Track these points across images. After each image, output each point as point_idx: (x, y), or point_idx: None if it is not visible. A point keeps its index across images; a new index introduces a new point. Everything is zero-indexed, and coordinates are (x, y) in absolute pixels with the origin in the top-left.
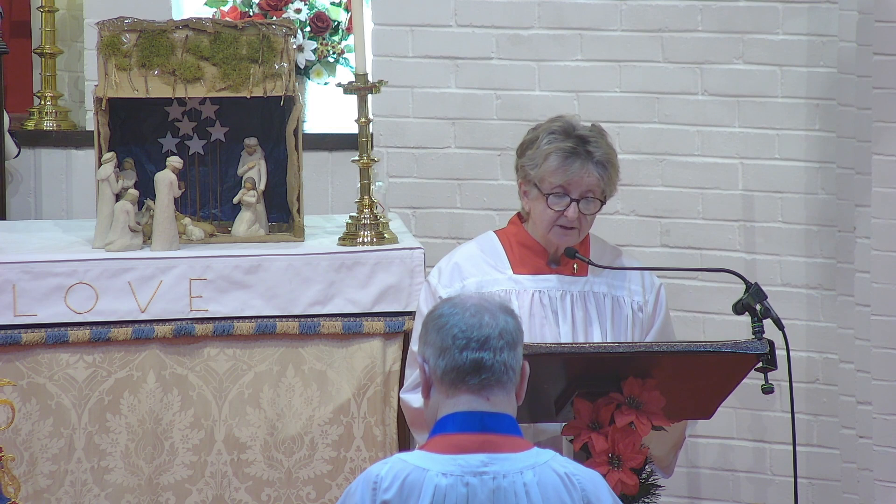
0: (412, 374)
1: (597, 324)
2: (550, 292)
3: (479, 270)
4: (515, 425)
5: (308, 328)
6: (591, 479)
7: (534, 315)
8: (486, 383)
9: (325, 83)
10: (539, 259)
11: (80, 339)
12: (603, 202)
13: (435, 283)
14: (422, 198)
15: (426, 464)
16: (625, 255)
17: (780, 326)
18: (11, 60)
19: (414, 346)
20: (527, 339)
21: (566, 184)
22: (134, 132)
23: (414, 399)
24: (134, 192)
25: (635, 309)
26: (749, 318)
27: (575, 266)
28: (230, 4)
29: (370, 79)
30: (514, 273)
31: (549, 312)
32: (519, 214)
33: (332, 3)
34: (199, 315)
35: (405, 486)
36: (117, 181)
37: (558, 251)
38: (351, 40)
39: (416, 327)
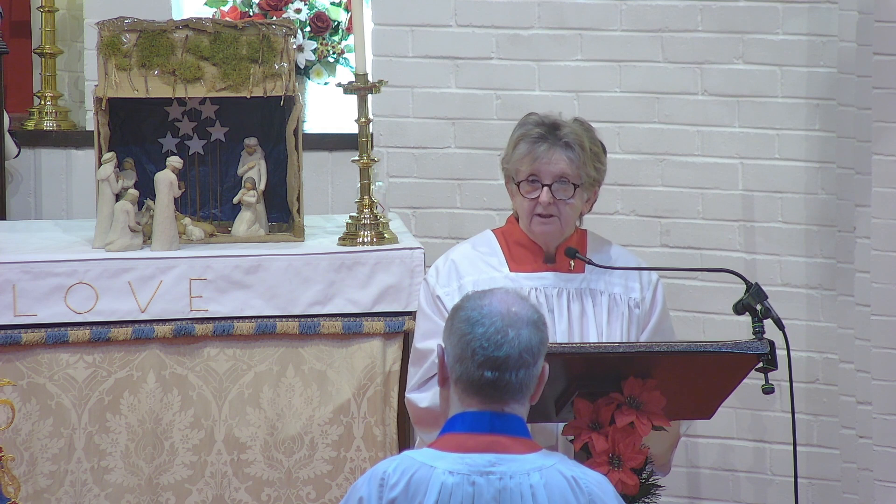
0: (416, 374)
1: (593, 321)
2: (546, 290)
3: (475, 269)
4: (524, 427)
5: (308, 328)
6: (598, 483)
7: None
8: (499, 398)
9: (325, 83)
10: (535, 257)
11: (80, 339)
12: (578, 186)
13: (433, 282)
14: (422, 198)
15: (434, 461)
16: (622, 250)
17: (781, 326)
18: (11, 60)
19: (418, 343)
20: None
21: (536, 170)
22: (134, 132)
23: (420, 399)
24: (134, 192)
25: (632, 306)
26: (749, 318)
27: (572, 263)
28: (230, 4)
29: (370, 79)
30: (510, 271)
31: (545, 310)
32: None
33: (332, 3)
34: (199, 315)
35: (412, 484)
36: (117, 181)
37: (549, 247)
38: (351, 40)
39: (420, 326)
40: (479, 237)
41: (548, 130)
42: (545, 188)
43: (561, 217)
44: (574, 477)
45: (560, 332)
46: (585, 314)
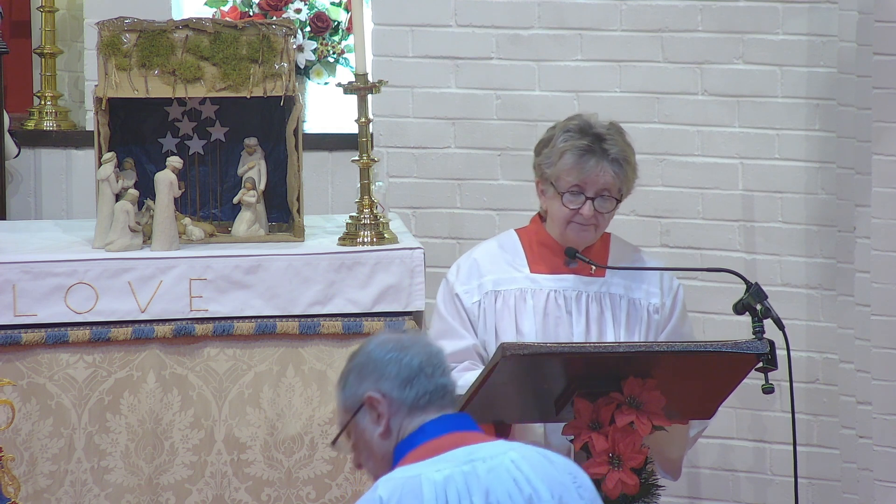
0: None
1: (611, 325)
2: (566, 292)
3: (496, 268)
4: (475, 423)
5: (308, 328)
6: (558, 452)
7: (548, 314)
8: (449, 400)
9: (325, 83)
10: (557, 258)
11: (80, 339)
12: (619, 200)
13: (453, 279)
14: (422, 198)
15: (415, 471)
16: (646, 255)
17: (781, 326)
18: (11, 60)
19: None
20: (541, 339)
21: (581, 182)
22: (134, 132)
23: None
24: (134, 192)
25: (651, 311)
26: (749, 318)
27: (593, 267)
28: (230, 4)
29: (370, 79)
30: (531, 272)
31: (563, 312)
32: (540, 214)
33: (332, 3)
34: (199, 315)
35: (404, 496)
36: (117, 181)
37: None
38: (351, 40)
39: (434, 326)
40: (503, 236)
41: (593, 141)
42: (588, 202)
43: (598, 227)
44: (541, 451)
45: (577, 334)
46: (604, 318)
